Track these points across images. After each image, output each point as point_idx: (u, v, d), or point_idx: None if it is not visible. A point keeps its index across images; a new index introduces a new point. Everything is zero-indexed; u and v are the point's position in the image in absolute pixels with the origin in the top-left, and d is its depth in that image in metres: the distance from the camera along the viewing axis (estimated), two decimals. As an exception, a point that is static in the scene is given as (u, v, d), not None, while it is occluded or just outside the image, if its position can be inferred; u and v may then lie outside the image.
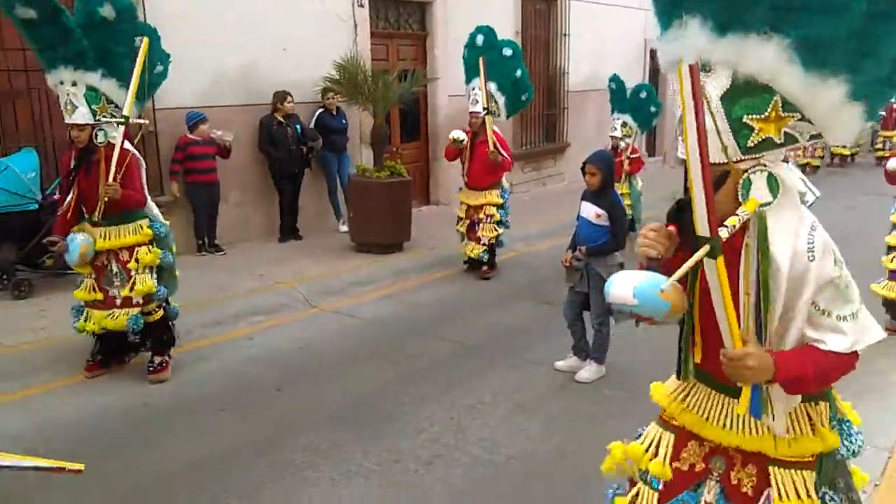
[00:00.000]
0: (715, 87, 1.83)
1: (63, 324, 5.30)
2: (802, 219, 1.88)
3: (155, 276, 4.96)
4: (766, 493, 2.05)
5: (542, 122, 13.62)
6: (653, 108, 9.20)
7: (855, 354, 1.89)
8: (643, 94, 9.07)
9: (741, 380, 1.86)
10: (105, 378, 5.10)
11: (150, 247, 4.93)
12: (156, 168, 7.94)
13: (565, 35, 13.53)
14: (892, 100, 15.25)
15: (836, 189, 12.55)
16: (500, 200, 7.68)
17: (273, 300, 6.82)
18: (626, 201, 8.28)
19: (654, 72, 16.28)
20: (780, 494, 2.01)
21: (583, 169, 5.21)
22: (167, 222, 5.16)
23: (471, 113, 7.75)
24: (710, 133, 1.83)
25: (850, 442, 2.07)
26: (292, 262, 8.02)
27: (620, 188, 8.41)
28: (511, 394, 4.92)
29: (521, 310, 6.78)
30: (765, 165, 1.86)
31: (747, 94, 1.81)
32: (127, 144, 4.86)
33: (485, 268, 7.79)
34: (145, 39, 4.60)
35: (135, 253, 4.88)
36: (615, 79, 9.11)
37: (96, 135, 4.71)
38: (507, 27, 11.90)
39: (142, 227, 4.90)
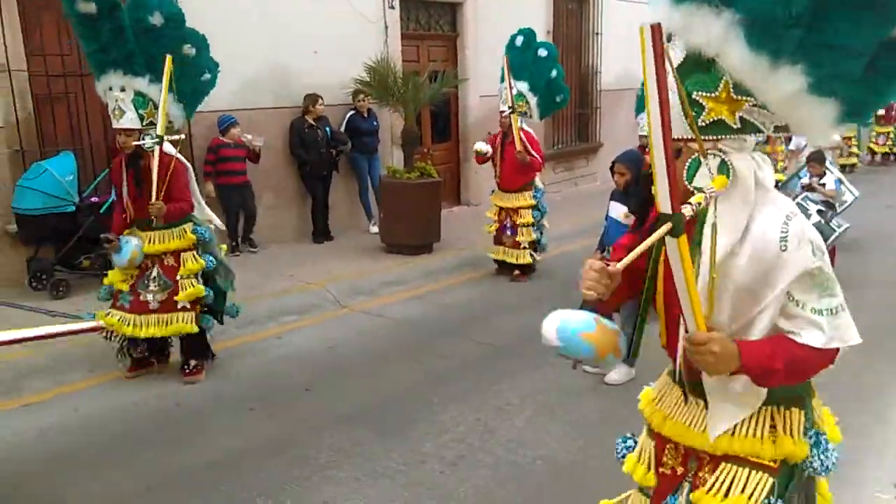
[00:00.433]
0: (673, 57, 1.79)
1: (98, 323, 5.40)
2: (779, 208, 1.80)
3: (201, 280, 5.01)
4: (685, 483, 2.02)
5: (575, 122, 13.53)
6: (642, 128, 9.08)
7: (833, 351, 1.80)
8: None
9: (704, 367, 1.77)
10: (140, 377, 5.19)
11: (196, 253, 4.99)
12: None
13: (597, 34, 13.43)
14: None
15: (876, 188, 12.25)
16: (534, 202, 7.61)
17: (303, 300, 6.88)
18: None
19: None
20: (711, 487, 1.93)
21: (612, 169, 5.16)
22: (218, 222, 5.22)
23: (500, 112, 7.73)
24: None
25: (825, 457, 1.94)
26: (323, 262, 8.09)
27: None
28: (539, 395, 4.89)
29: (551, 311, 6.71)
30: (721, 151, 1.79)
31: (699, 69, 1.76)
32: (172, 150, 4.93)
33: (517, 272, 7.71)
34: (168, 58, 4.59)
35: (181, 259, 4.95)
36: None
37: (143, 139, 4.77)
38: (539, 27, 11.81)
39: (185, 232, 4.96)
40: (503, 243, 7.69)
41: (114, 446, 4.26)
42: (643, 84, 1.59)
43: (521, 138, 7.37)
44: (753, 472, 1.90)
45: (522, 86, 7.57)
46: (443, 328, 6.33)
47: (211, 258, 5.05)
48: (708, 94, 1.76)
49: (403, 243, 8.43)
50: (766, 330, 1.81)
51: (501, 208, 7.69)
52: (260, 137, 8.25)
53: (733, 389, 1.88)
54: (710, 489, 1.94)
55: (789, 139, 11.13)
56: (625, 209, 5.03)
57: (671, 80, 1.78)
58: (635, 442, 2.33)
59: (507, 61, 7.54)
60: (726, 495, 1.91)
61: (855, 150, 15.18)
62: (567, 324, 1.86)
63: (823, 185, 7.61)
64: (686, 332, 1.81)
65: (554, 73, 7.80)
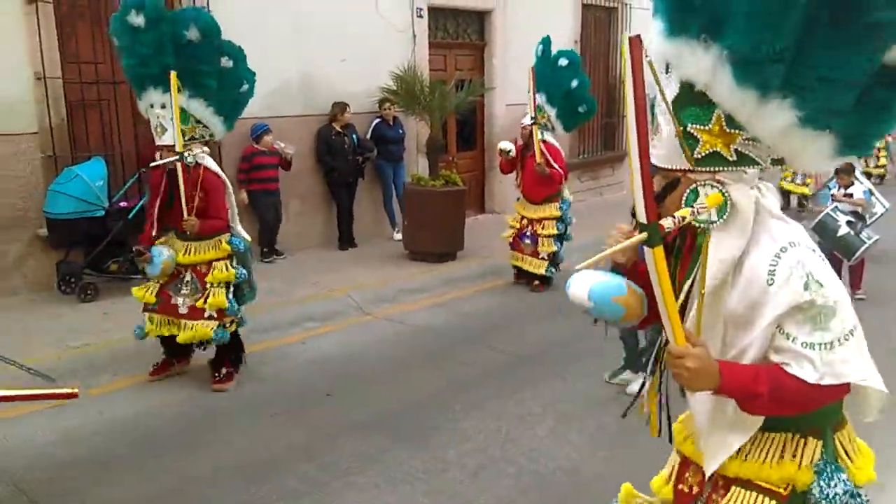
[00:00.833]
0: (669, 90, 1.81)
1: (126, 327, 5.47)
2: (775, 240, 1.78)
3: (231, 291, 5.03)
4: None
5: (601, 131, 13.48)
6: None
7: (831, 388, 1.72)
8: None
9: (682, 382, 1.73)
10: (164, 381, 5.24)
11: (228, 263, 5.01)
12: (218, 177, 8.16)
13: (625, 43, 13.36)
14: None
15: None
16: (559, 213, 7.56)
17: (327, 307, 6.92)
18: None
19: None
20: None
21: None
22: (248, 237, 5.23)
23: (521, 125, 7.71)
24: (666, 139, 1.84)
25: (825, 484, 1.84)
26: (347, 269, 8.13)
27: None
28: (560, 405, 4.86)
29: (574, 321, 6.63)
30: (719, 183, 1.79)
31: (693, 102, 1.77)
32: (214, 166, 5.01)
33: (536, 282, 7.66)
34: (173, 74, 4.57)
35: (212, 267, 4.98)
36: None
37: (185, 157, 4.80)
38: (567, 36, 11.85)
39: (220, 243, 4.99)
40: (521, 251, 7.66)
41: (137, 450, 4.31)
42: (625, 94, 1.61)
43: (541, 150, 7.32)
44: (762, 496, 1.88)
45: (541, 97, 7.49)
46: (465, 336, 6.33)
47: (243, 271, 5.07)
48: (702, 127, 1.77)
49: (427, 251, 8.44)
50: (757, 362, 1.80)
51: (524, 217, 7.68)
52: (291, 145, 8.33)
53: (725, 412, 1.87)
54: None
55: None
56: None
57: (665, 109, 1.82)
58: None
59: (532, 72, 7.50)
60: None
61: (884, 160, 14.90)
62: (602, 287, 1.96)
63: (851, 195, 7.49)
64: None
65: (575, 83, 7.61)
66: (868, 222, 7.47)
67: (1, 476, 3.96)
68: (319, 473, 4.01)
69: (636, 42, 1.51)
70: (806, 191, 11.11)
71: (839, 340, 1.71)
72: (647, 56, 1.56)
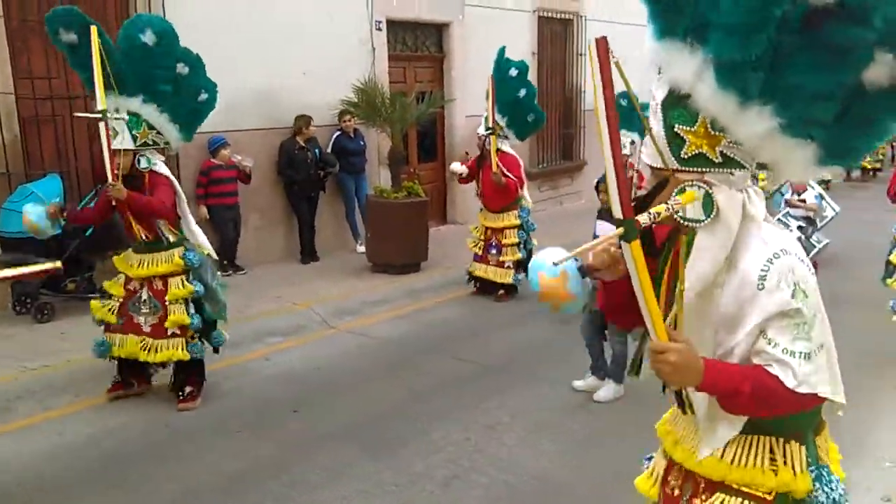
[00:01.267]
0: (659, 91, 1.85)
1: (84, 347, 5.34)
2: (768, 245, 1.79)
3: (192, 307, 4.94)
4: None
5: (560, 142, 13.65)
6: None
7: (809, 396, 1.75)
8: (623, 102, 8.97)
9: (664, 377, 1.74)
10: (126, 400, 5.13)
11: (184, 279, 4.92)
12: (176, 191, 8.06)
13: (581, 55, 13.60)
14: None
15: (857, 203, 12.43)
16: (518, 222, 7.66)
17: (290, 321, 6.87)
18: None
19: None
20: None
21: (597, 188, 5.22)
22: (210, 250, 5.14)
23: (477, 134, 7.82)
24: (655, 138, 1.87)
25: (829, 489, 1.89)
26: (309, 282, 8.08)
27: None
28: (528, 414, 4.90)
29: (539, 329, 6.77)
30: (706, 184, 1.80)
31: (680, 104, 1.80)
32: (166, 171, 4.92)
33: (501, 291, 7.74)
34: (93, 28, 4.42)
35: (168, 284, 4.90)
36: (625, 96, 9.08)
37: (139, 160, 4.74)
38: (524, 48, 11.99)
39: (173, 257, 4.90)
40: (488, 262, 7.73)
41: (101, 471, 4.22)
42: (600, 96, 1.62)
43: (496, 161, 7.42)
44: (746, 502, 1.90)
45: (487, 105, 7.59)
46: (430, 347, 6.34)
47: (200, 285, 4.96)
48: (687, 128, 1.80)
49: (390, 263, 8.44)
50: (742, 363, 1.82)
51: (487, 227, 7.75)
52: (249, 158, 8.27)
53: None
54: None
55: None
56: (612, 227, 5.06)
57: (655, 109, 1.86)
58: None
59: (492, 81, 7.59)
60: None
61: (882, 154, 15.33)
62: (542, 258, 2.11)
63: (804, 200, 7.72)
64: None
65: (523, 92, 7.79)
66: (819, 226, 7.70)
67: (-42, 504, 3.85)
68: (288, 489, 3.98)
69: (602, 43, 1.56)
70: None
71: (815, 352, 1.75)
72: (613, 57, 1.58)
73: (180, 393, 5.08)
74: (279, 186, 8.99)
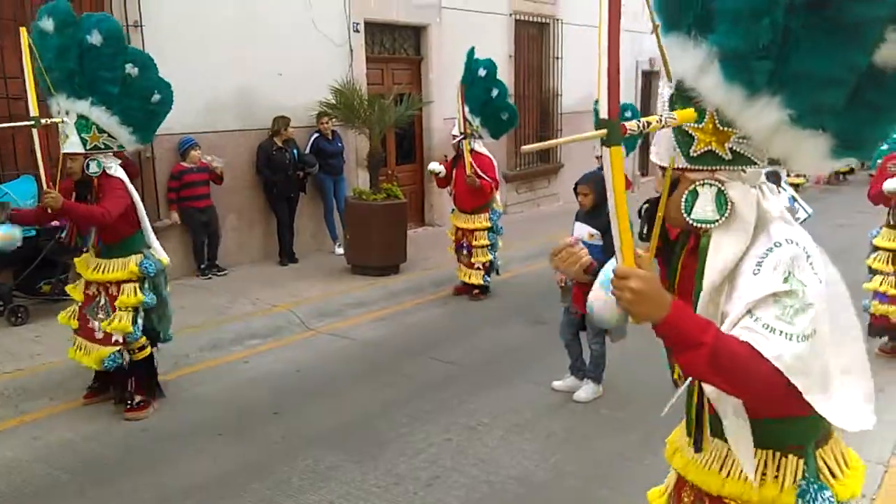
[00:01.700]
0: (666, 89, 1.81)
1: (59, 350, 5.29)
2: (772, 237, 1.72)
3: (141, 315, 4.84)
4: None
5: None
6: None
7: (780, 376, 1.58)
8: (628, 114, 9.13)
9: (624, 305, 1.59)
10: (104, 403, 5.08)
11: (138, 287, 4.79)
12: (153, 193, 7.99)
13: (557, 58, 13.69)
14: None
15: (829, 206, 12.65)
16: (489, 224, 7.73)
17: (269, 323, 6.83)
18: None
19: (646, 94, 16.46)
20: None
21: (575, 190, 5.27)
22: (166, 260, 5.01)
23: (452, 136, 7.87)
24: (663, 136, 1.82)
25: None
26: (288, 284, 8.04)
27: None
28: (509, 414, 4.93)
29: (517, 330, 6.81)
30: (718, 181, 1.74)
31: (688, 100, 1.74)
32: (121, 175, 4.78)
33: (476, 291, 7.82)
34: (23, 29, 4.35)
35: (121, 290, 4.77)
36: (627, 107, 9.16)
37: (88, 164, 4.64)
38: (501, 51, 12.05)
39: (128, 264, 4.77)
40: (460, 261, 7.79)
41: (78, 476, 4.17)
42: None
43: (470, 163, 7.47)
44: None
45: (465, 109, 7.65)
46: (410, 348, 6.35)
47: (152, 296, 4.85)
48: (695, 126, 1.75)
49: (369, 264, 8.44)
50: None
51: (458, 228, 7.80)
52: (219, 158, 8.21)
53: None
54: None
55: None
56: (589, 229, 5.12)
57: (664, 106, 1.81)
58: None
59: (461, 87, 7.64)
60: None
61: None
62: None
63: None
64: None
65: (495, 91, 7.85)
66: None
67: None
68: (272, 492, 3.96)
69: None
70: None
71: (798, 337, 1.61)
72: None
73: (129, 403, 4.93)
74: (257, 188, 8.95)
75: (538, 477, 4.13)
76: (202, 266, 8.29)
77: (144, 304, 4.81)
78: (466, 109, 7.65)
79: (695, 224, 1.77)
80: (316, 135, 9.29)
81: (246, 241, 8.98)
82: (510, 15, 12.52)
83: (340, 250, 9.29)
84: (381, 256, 8.45)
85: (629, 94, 15.05)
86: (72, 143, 4.59)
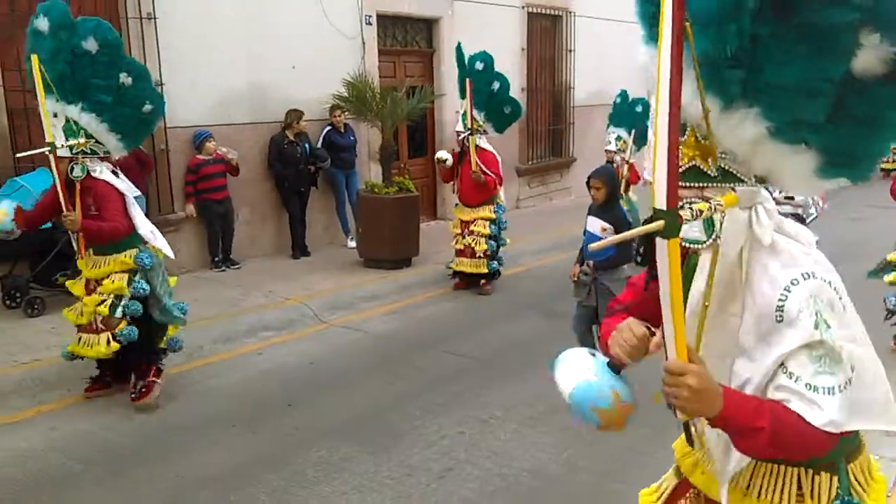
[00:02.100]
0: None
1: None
2: (786, 267, 1.62)
3: (125, 304, 4.78)
4: None
5: (548, 137, 13.69)
6: (649, 123, 9.16)
7: (832, 435, 1.55)
8: (639, 108, 9.05)
9: (679, 403, 1.50)
10: (118, 394, 5.12)
11: (128, 277, 4.78)
12: (167, 186, 8.04)
13: (570, 51, 13.63)
14: None
15: (841, 201, 12.55)
16: (493, 216, 7.73)
17: (283, 315, 6.87)
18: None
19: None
20: None
21: (588, 184, 5.26)
22: (166, 252, 5.00)
23: (456, 132, 7.85)
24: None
25: None
26: (301, 277, 8.08)
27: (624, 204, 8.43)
28: (521, 407, 4.94)
29: (530, 324, 6.81)
30: (705, 200, 1.60)
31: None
32: (111, 178, 4.76)
33: (483, 281, 7.81)
34: (34, 57, 4.36)
35: (108, 278, 4.78)
36: (623, 94, 9.13)
37: (72, 168, 4.61)
38: (514, 44, 12.03)
39: (123, 257, 4.78)
40: (465, 255, 7.78)
41: (95, 466, 4.22)
42: (654, 93, 1.44)
43: (475, 160, 7.46)
44: None
45: (467, 103, 7.64)
46: (422, 341, 6.36)
47: (144, 285, 4.81)
48: (679, 139, 1.63)
49: (382, 258, 8.45)
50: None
51: (462, 221, 7.80)
52: (233, 151, 8.26)
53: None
54: None
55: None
56: (602, 223, 5.11)
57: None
58: None
59: (469, 83, 7.61)
60: None
61: None
62: (584, 391, 1.75)
63: (792, 197, 7.79)
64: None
65: (496, 84, 7.82)
66: (807, 222, 7.79)
67: (-48, 498, 3.84)
68: (286, 483, 3.99)
69: None
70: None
71: (840, 387, 1.56)
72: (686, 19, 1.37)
73: (133, 391, 4.96)
74: (269, 181, 8.98)
75: (551, 470, 4.14)
76: (216, 259, 8.34)
77: (135, 291, 4.77)
78: (472, 104, 7.63)
79: (685, 244, 1.66)
80: (328, 128, 9.30)
81: (258, 235, 9.01)
82: (523, 7, 12.47)
83: (353, 243, 9.31)
84: (393, 250, 8.47)
85: (641, 88, 14.94)
86: (59, 147, 4.56)
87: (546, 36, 13.38)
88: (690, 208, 1.52)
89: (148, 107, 4.78)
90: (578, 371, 1.78)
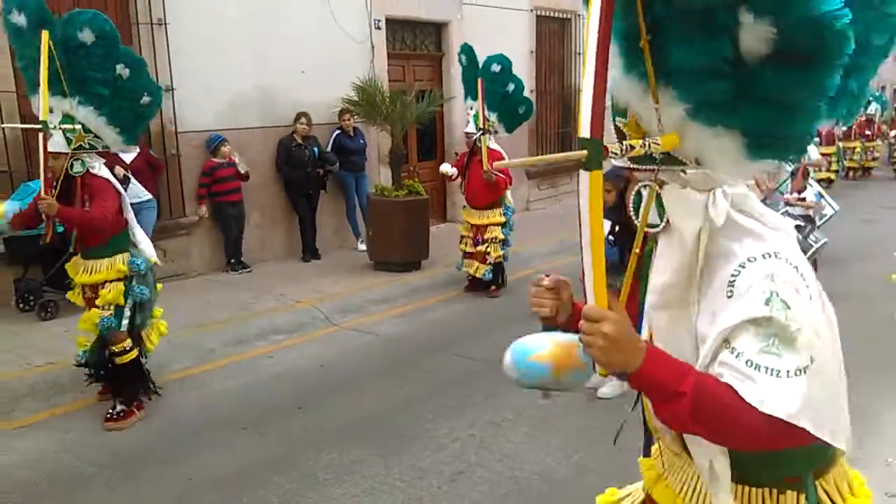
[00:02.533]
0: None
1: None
2: (744, 250, 1.51)
3: (128, 315, 4.69)
4: None
5: (558, 140, 13.69)
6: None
7: (773, 423, 1.36)
8: None
9: (594, 353, 1.41)
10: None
11: (124, 284, 4.66)
12: (178, 190, 8.08)
13: (579, 53, 13.62)
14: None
15: (853, 202, 12.50)
16: (503, 219, 7.73)
17: (293, 319, 6.89)
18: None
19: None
20: None
21: (600, 185, 5.25)
22: (154, 258, 4.91)
23: (465, 133, 7.85)
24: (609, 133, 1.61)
25: None
26: (312, 280, 8.10)
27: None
28: (532, 410, 4.93)
29: (540, 327, 6.78)
30: (657, 183, 1.57)
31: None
32: (107, 174, 4.69)
33: (493, 287, 7.81)
34: (45, 33, 4.19)
35: (104, 287, 4.65)
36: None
37: (72, 165, 4.52)
38: (523, 47, 12.04)
39: (116, 263, 4.65)
40: (474, 258, 7.78)
41: (107, 468, 4.24)
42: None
43: (487, 160, 7.46)
44: None
45: (477, 103, 7.64)
46: (433, 344, 6.37)
47: (144, 290, 4.74)
48: (624, 121, 1.64)
49: (392, 261, 8.47)
50: None
51: (472, 224, 7.80)
52: (241, 158, 8.30)
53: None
54: None
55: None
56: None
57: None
58: None
59: (481, 83, 7.62)
60: None
61: (835, 165, 15.43)
62: (519, 349, 1.64)
63: (804, 198, 7.76)
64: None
65: (511, 86, 7.83)
66: (818, 224, 7.75)
67: (-33, 500, 3.87)
68: (296, 486, 4.00)
69: None
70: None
71: (789, 373, 1.39)
72: None
73: (108, 412, 4.76)
74: (278, 184, 9.02)
75: (562, 473, 4.14)
76: (231, 261, 8.40)
77: (136, 296, 4.69)
78: (485, 105, 7.65)
79: (647, 229, 1.62)
80: (338, 132, 9.33)
81: (269, 238, 9.05)
82: (531, 10, 12.48)
83: (363, 247, 9.34)
84: (402, 253, 8.48)
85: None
86: (55, 143, 4.46)
87: (555, 39, 13.39)
88: (621, 143, 1.48)
89: (146, 98, 4.69)
90: (513, 344, 1.70)
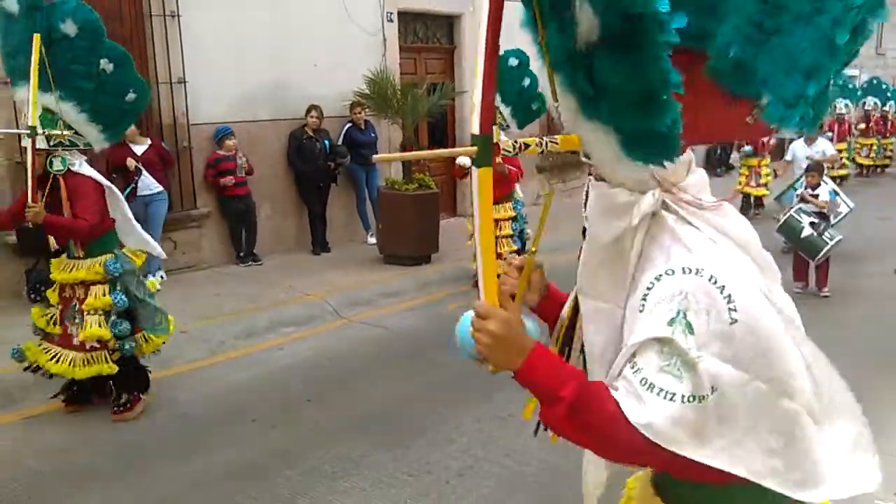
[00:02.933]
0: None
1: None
2: (667, 262, 1.38)
3: (117, 318, 4.55)
4: None
5: (569, 134, 13.64)
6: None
7: (648, 443, 1.29)
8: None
9: (480, 349, 1.40)
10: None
11: (107, 289, 4.54)
12: (189, 182, 8.11)
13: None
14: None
15: (867, 199, 12.38)
16: (513, 213, 7.70)
17: (303, 311, 6.90)
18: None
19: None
20: None
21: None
22: (155, 251, 4.84)
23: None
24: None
25: None
26: (321, 273, 8.12)
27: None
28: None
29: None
30: (595, 177, 1.49)
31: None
32: (91, 173, 4.56)
33: None
34: (36, 36, 4.06)
35: (88, 293, 4.53)
36: None
37: (51, 162, 4.38)
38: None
39: (95, 265, 4.51)
40: None
41: (117, 460, 4.27)
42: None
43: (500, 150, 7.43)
44: None
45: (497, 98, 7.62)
46: (441, 338, 6.28)
47: (122, 297, 4.53)
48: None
49: (401, 254, 8.48)
50: None
51: None
52: (242, 158, 8.28)
53: None
54: None
55: (782, 152, 11.26)
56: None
57: None
58: None
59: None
60: None
61: (846, 161, 15.27)
62: (465, 319, 1.59)
63: (817, 196, 7.69)
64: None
65: (527, 81, 7.78)
66: (833, 222, 7.68)
67: (-22, 489, 3.90)
68: (305, 478, 4.01)
69: None
70: (765, 192, 11.30)
71: (685, 398, 1.29)
72: None
73: (115, 406, 4.71)
74: (290, 177, 9.03)
75: (570, 467, 4.10)
76: (241, 254, 8.41)
77: (115, 304, 4.51)
78: (497, 98, 7.61)
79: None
80: (349, 125, 9.33)
81: (280, 231, 9.07)
82: (545, 4, 12.41)
83: (373, 240, 9.35)
84: (413, 246, 8.48)
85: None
86: (36, 139, 4.31)
87: (568, 32, 13.32)
88: (515, 141, 1.44)
89: (131, 95, 4.54)
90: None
